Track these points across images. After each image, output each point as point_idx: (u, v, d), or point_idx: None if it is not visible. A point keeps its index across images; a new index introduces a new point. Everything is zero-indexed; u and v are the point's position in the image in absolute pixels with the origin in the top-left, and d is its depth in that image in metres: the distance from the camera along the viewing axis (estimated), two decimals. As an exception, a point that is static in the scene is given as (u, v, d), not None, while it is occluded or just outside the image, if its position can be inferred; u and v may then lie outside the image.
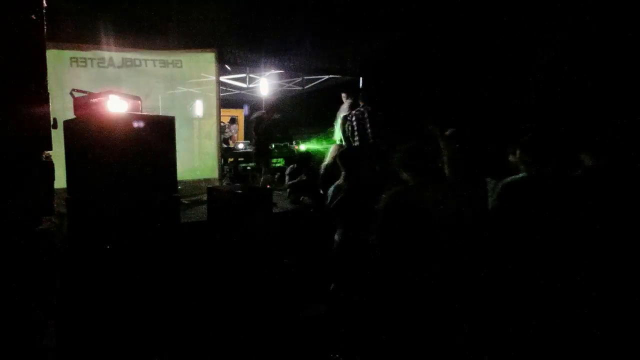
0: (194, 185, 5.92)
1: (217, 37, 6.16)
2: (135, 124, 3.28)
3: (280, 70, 8.12)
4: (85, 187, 3.14)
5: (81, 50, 5.51)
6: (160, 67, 5.99)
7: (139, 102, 3.59)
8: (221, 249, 3.93)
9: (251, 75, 8.96)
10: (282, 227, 4.68)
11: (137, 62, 5.83)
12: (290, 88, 9.78)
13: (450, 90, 6.76)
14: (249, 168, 7.56)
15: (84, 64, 5.53)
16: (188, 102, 6.25)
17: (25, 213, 2.40)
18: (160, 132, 3.41)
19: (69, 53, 5.45)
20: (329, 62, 7.65)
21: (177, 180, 3.61)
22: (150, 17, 5.59)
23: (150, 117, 3.48)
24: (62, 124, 3.28)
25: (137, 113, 3.48)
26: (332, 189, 3.07)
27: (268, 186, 5.89)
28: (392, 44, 7.02)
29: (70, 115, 3.36)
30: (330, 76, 8.70)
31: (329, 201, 3.07)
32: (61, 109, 4.92)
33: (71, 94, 3.39)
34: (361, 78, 7.98)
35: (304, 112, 10.37)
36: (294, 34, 6.56)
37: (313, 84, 9.39)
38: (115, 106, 3.29)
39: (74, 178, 3.25)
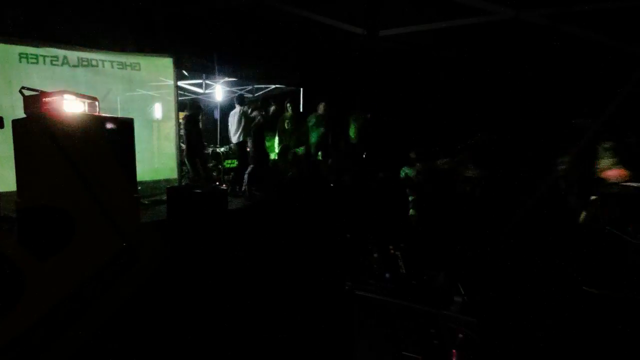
0: (154, 185, 5.35)
1: (173, 43, 5.60)
2: (93, 125, 2.77)
3: (233, 78, 7.91)
4: (36, 190, 2.55)
5: (31, 45, 4.57)
6: (118, 68, 5.24)
7: (96, 102, 3.05)
8: (181, 245, 3.62)
9: (207, 82, 8.47)
10: (236, 224, 4.42)
11: (94, 62, 5.02)
12: (242, 95, 9.33)
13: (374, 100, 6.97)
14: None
15: (35, 60, 4.60)
16: (147, 104, 5.58)
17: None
18: (118, 134, 2.94)
19: (17, 48, 4.49)
20: (275, 73, 7.55)
21: (137, 180, 3.19)
22: (105, 17, 4.85)
23: (108, 118, 2.95)
24: (10, 123, 2.66)
25: (94, 114, 2.94)
26: None
27: (224, 185, 5.46)
28: (327, 60, 7.16)
29: (20, 114, 2.72)
30: (277, 86, 8.55)
31: None
32: (9, 107, 4.16)
33: (20, 91, 2.75)
34: (302, 88, 7.97)
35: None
36: (244, 48, 6.35)
37: (262, 92, 9.13)
38: (70, 106, 2.74)
39: (25, 181, 2.61)
